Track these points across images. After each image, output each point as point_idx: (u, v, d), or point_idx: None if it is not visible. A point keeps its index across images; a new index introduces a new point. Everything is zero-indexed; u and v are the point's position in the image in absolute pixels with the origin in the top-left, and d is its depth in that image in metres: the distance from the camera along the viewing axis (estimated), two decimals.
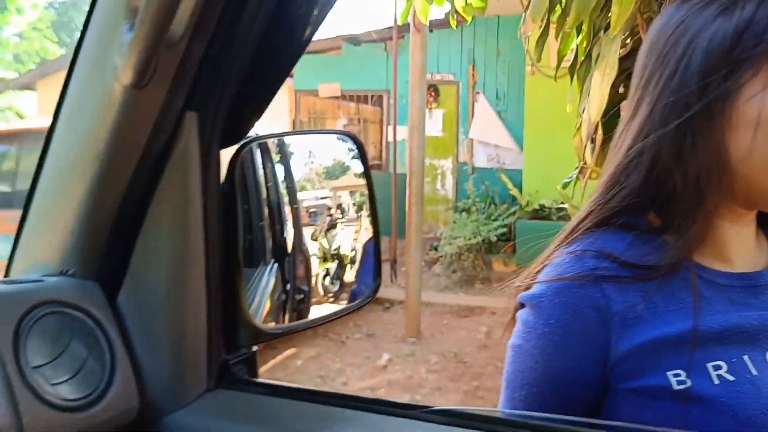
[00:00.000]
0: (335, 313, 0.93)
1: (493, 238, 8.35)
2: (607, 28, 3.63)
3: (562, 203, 8.35)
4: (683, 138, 0.83)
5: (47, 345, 0.68)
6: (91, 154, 0.71)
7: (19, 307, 0.67)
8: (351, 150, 0.98)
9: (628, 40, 3.54)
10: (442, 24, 9.21)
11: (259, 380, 0.82)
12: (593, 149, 3.72)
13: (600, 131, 3.56)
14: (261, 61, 0.73)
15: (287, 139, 1.03)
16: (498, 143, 9.90)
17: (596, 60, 3.58)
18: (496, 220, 8.70)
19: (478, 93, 10.17)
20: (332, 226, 1.04)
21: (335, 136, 1.06)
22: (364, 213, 1.05)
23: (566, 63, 4.55)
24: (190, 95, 0.71)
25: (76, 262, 0.76)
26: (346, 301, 1.00)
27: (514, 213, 8.79)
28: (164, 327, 0.76)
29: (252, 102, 0.76)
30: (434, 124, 10.20)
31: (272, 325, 0.88)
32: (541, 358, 0.86)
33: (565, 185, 4.24)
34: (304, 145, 1.08)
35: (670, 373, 0.81)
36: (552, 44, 4.37)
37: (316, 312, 0.93)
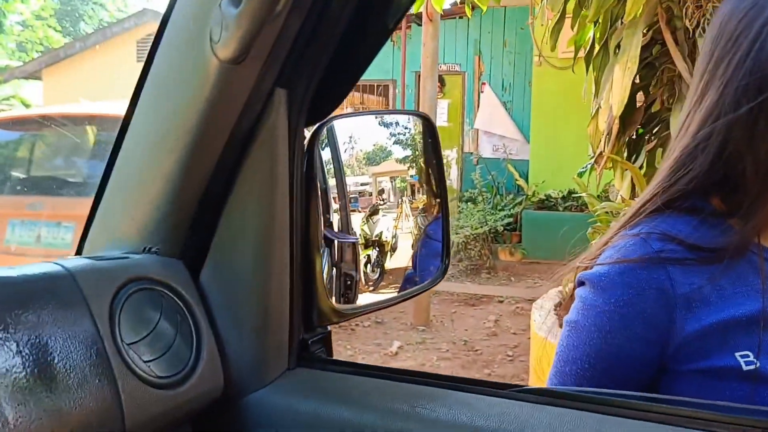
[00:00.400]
0: (406, 294, 0.93)
1: (500, 228, 8.36)
2: (624, 17, 3.62)
3: (569, 193, 8.36)
4: (755, 122, 0.83)
5: (139, 322, 0.68)
6: (182, 129, 0.70)
7: (113, 284, 0.67)
8: (415, 129, 0.98)
9: (646, 31, 3.54)
10: (448, 14, 9.19)
11: (340, 359, 0.81)
12: (608, 138, 3.73)
13: (617, 122, 3.57)
14: (350, 41, 0.73)
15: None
16: (503, 134, 9.89)
17: (614, 50, 3.59)
18: (502, 210, 8.70)
19: (483, 83, 10.16)
20: (374, 212, 1.03)
21: (407, 116, 1.05)
22: (406, 199, 1.05)
23: (574, 53, 4.55)
24: (281, 72, 0.70)
25: (159, 239, 0.76)
26: (394, 290, 1.00)
27: (520, 203, 8.80)
28: (248, 306, 0.76)
29: (339, 81, 0.75)
30: (440, 114, 10.18)
31: (347, 305, 0.88)
32: (597, 336, 0.86)
33: (581, 174, 4.24)
34: (346, 129, 1.08)
35: (738, 354, 0.81)
36: (561, 34, 4.37)
37: (387, 293, 0.93)
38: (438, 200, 0.96)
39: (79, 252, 0.85)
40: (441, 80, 10.20)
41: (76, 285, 0.64)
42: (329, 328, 0.85)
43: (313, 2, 0.67)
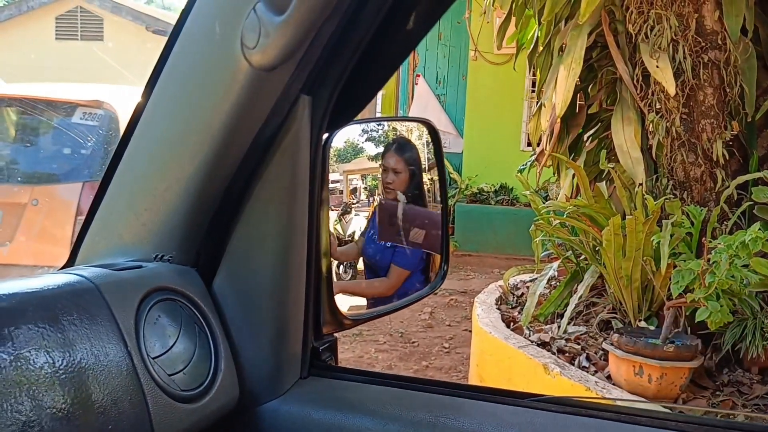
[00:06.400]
0: (409, 299, 0.93)
1: None
2: (568, 18, 3.71)
3: (501, 187, 8.52)
4: None
5: (161, 335, 0.66)
6: (205, 133, 0.68)
7: (136, 295, 0.65)
8: (422, 135, 0.98)
9: (589, 33, 3.63)
10: None
11: (351, 367, 0.81)
12: (550, 137, 3.81)
13: (559, 122, 3.65)
14: (375, 49, 0.72)
15: None
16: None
17: (558, 50, 3.66)
18: None
19: (418, 76, 10.20)
20: (346, 211, 1.03)
21: (411, 123, 1.05)
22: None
23: (511, 49, 4.62)
24: (308, 78, 0.69)
25: (173, 246, 0.73)
26: None
27: (453, 196, 8.90)
28: (265, 314, 0.74)
29: (363, 88, 0.74)
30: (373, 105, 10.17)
31: (353, 312, 0.87)
32: None
33: (521, 171, 4.32)
34: None
35: None
36: (494, 31, 4.40)
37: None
38: (441, 205, 0.96)
39: (72, 258, 0.81)
40: None
41: (102, 298, 0.61)
42: (336, 334, 0.85)
43: (345, 10, 0.66)
